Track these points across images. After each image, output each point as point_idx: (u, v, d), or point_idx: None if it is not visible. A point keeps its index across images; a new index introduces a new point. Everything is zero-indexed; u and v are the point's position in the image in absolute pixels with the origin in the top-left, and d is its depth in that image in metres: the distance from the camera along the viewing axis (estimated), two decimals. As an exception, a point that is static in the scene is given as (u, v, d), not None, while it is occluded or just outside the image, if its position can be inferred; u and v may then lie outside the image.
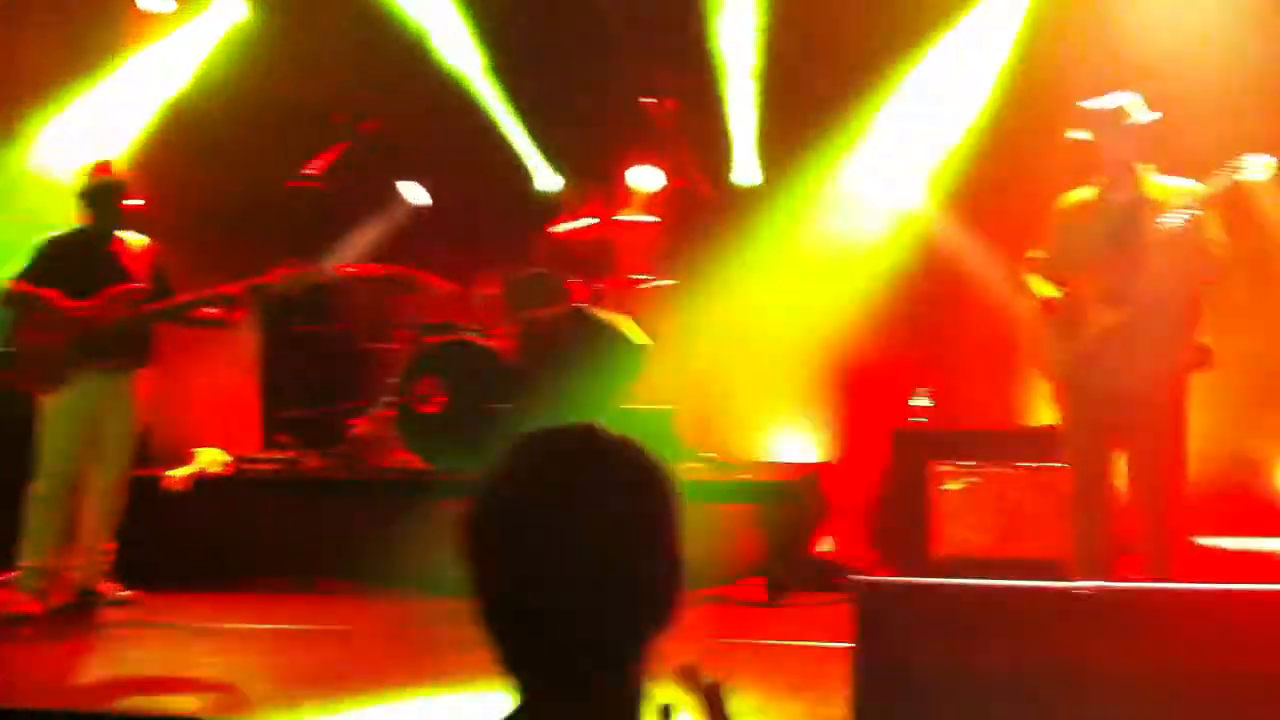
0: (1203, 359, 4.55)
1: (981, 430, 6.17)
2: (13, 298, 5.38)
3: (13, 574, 5.36)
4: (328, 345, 7.45)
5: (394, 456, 6.50)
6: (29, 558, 5.33)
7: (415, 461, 6.39)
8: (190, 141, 7.31)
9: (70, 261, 5.42)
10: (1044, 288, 4.71)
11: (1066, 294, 4.62)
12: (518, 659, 1.38)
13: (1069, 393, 4.70)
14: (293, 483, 6.36)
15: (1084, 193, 4.70)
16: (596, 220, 6.69)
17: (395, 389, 6.39)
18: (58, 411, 5.36)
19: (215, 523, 6.13)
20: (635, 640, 1.38)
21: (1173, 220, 4.37)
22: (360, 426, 6.72)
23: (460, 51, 7.56)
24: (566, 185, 7.10)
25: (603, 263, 6.60)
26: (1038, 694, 2.73)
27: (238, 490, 6.29)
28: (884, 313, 6.92)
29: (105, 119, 7.06)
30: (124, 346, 5.44)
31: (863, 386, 7.10)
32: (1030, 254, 4.83)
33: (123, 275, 5.48)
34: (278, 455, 6.62)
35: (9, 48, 6.91)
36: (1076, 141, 4.60)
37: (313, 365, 7.43)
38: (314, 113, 7.41)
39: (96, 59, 7.12)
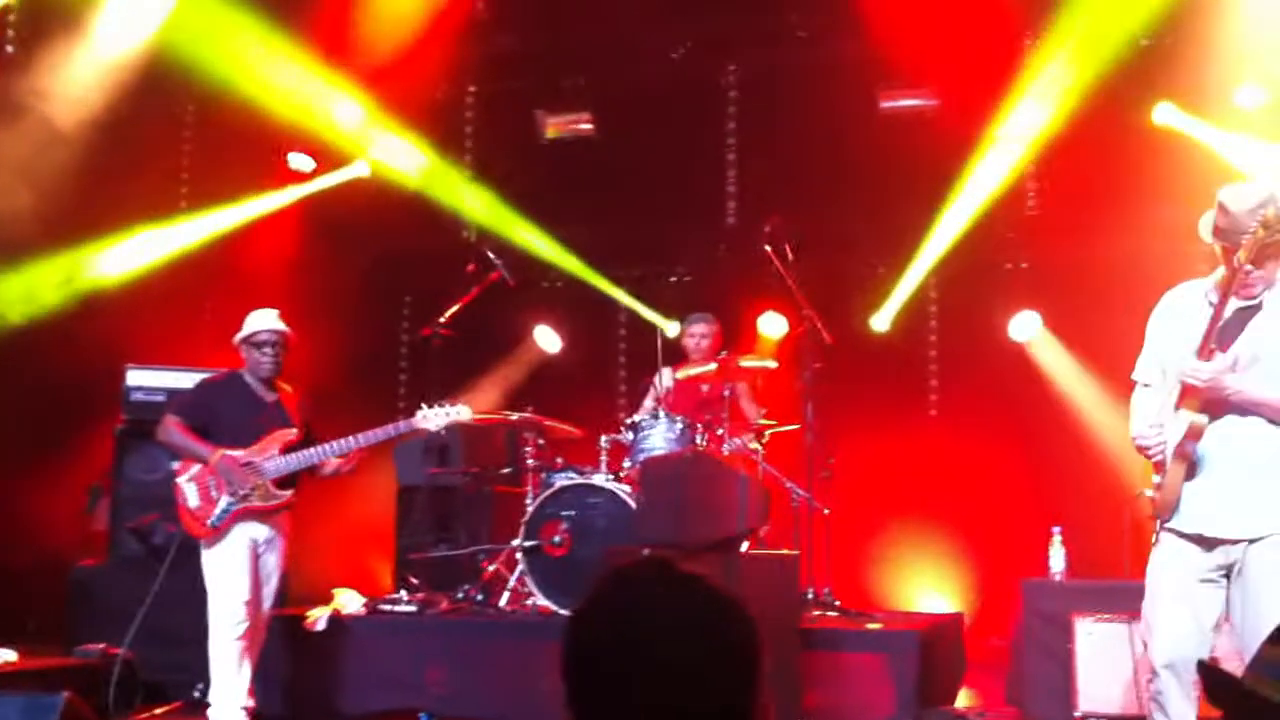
0: None
1: (1119, 582, 5.95)
2: (170, 438, 5.62)
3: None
4: (458, 489, 7.63)
5: (523, 598, 6.58)
6: (218, 698, 5.45)
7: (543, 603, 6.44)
8: (321, 294, 7.71)
9: (229, 405, 5.64)
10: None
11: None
12: None
13: (1165, 530, 3.92)
14: (424, 624, 6.46)
15: (1196, 286, 3.98)
16: (719, 365, 6.77)
17: (524, 532, 6.48)
18: (225, 554, 5.51)
19: (350, 662, 6.26)
20: None
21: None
22: (490, 568, 6.85)
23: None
24: (688, 331, 7.23)
25: (726, 406, 6.65)
26: None
27: (372, 630, 6.41)
28: (1014, 456, 6.81)
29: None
30: (282, 489, 5.61)
31: (996, 534, 6.97)
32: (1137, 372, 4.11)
33: (280, 421, 5.69)
34: (409, 597, 6.74)
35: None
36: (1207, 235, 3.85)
37: (444, 508, 7.61)
38: (441, 264, 7.76)
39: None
